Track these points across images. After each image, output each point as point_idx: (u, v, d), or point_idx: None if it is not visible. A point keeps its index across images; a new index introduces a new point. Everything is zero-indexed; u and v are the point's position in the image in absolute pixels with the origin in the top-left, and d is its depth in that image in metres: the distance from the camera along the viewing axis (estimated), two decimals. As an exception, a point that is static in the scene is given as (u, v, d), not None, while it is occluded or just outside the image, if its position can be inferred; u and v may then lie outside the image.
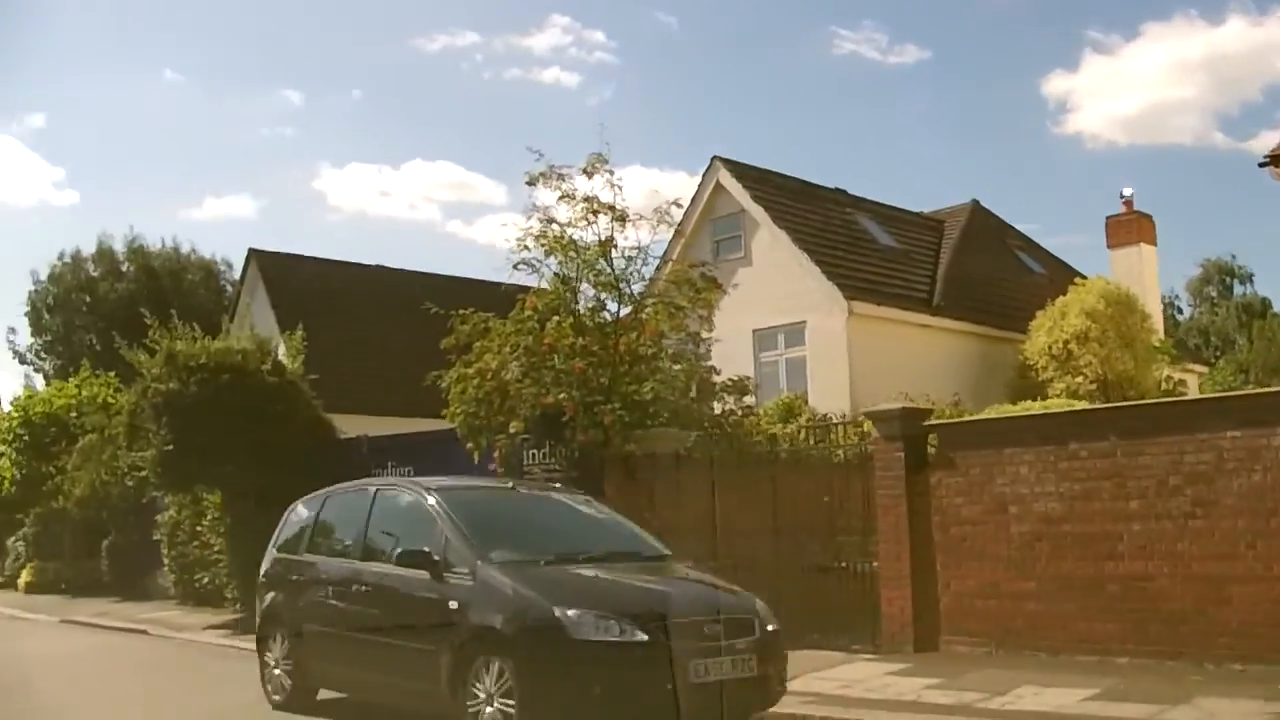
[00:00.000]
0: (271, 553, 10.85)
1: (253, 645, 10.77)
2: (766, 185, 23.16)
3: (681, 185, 77.95)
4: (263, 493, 15.60)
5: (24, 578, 28.28)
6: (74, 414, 28.28)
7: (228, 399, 17.34)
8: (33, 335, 40.81)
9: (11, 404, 29.36)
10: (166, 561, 22.63)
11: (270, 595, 10.54)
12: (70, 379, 29.52)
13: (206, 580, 20.52)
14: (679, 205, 15.44)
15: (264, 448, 16.94)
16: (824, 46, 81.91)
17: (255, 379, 18.01)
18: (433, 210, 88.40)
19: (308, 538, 10.46)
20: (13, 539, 30.22)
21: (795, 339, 21.18)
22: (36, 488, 28.18)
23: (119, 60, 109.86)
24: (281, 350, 19.68)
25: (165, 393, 17.62)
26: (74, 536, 27.18)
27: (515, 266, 14.21)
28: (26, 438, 28.18)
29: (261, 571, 10.94)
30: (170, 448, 17.49)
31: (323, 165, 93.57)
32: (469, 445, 14.18)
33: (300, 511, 10.88)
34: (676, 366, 14.56)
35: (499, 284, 14.55)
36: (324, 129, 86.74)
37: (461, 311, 14.35)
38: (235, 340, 19.02)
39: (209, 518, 20.38)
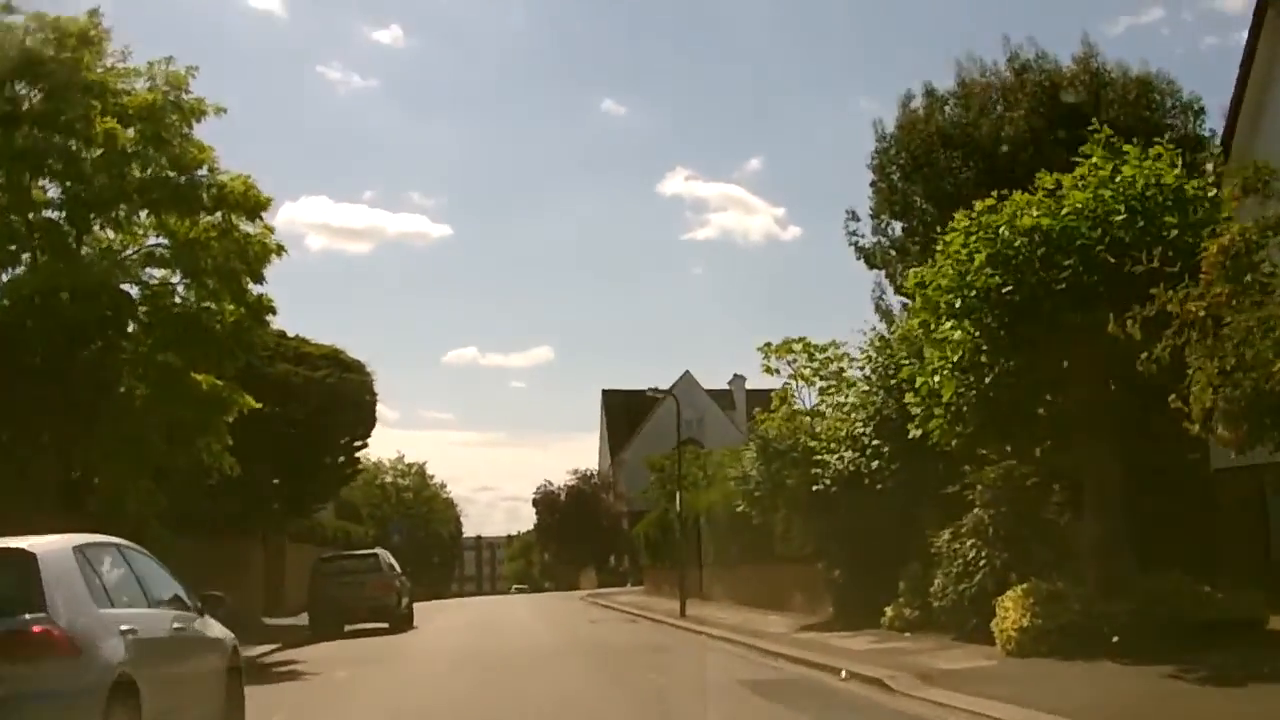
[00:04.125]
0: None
1: None
2: None
3: None
4: None
5: (1005, 620, 12.30)
6: (1088, 229, 11.72)
7: None
8: (874, 218, 26.35)
9: (953, 224, 13.20)
10: None
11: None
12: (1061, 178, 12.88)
13: None
14: None
15: None
16: None
17: None
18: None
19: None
20: (948, 535, 14.64)
21: None
22: (1002, 409, 12.24)
23: (816, 95, 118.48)
24: None
25: None
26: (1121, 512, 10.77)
27: None
28: (1007, 290, 11.94)
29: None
30: None
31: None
32: None
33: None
34: None
35: None
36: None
37: None
38: None
39: None
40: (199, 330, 19.54)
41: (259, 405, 20.80)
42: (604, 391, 76.18)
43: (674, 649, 17.25)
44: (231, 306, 20.32)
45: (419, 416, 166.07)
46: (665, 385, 74.10)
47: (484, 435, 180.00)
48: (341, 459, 29.24)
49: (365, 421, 29.13)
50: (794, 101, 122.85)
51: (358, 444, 29.51)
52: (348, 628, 23.83)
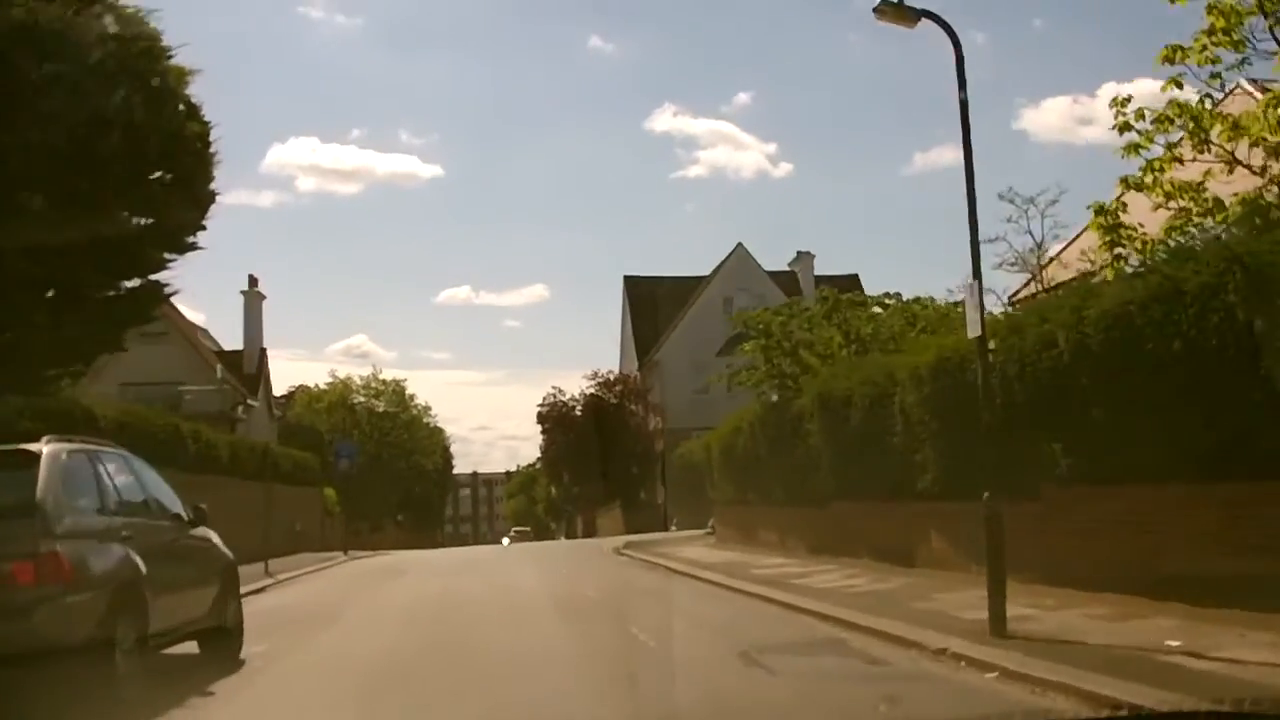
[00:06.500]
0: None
1: None
2: None
3: None
4: None
5: None
6: None
7: None
8: None
9: None
10: None
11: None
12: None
13: None
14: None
15: None
16: None
17: None
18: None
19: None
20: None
21: None
22: None
23: (805, 27, 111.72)
24: None
25: None
26: None
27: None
28: None
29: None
30: None
31: (1018, 103, 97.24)
32: None
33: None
34: None
35: None
36: (1012, 66, 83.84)
37: None
38: None
39: None
40: None
41: None
42: (626, 279, 59.42)
43: None
44: None
45: (414, 356, 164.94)
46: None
47: (482, 374, 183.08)
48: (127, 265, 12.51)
49: (190, 182, 12.15)
50: (783, 34, 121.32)
51: (166, 239, 12.82)
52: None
